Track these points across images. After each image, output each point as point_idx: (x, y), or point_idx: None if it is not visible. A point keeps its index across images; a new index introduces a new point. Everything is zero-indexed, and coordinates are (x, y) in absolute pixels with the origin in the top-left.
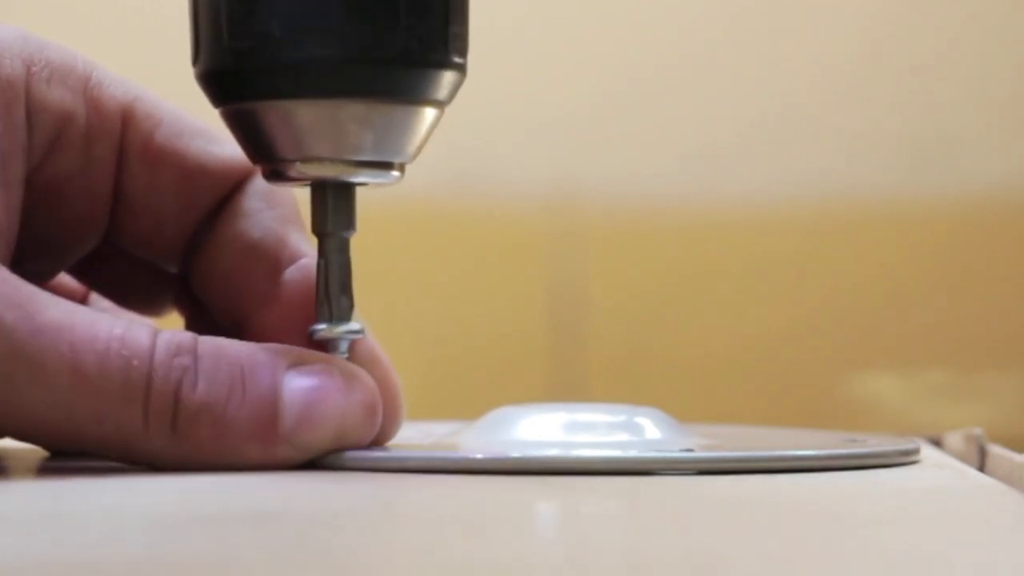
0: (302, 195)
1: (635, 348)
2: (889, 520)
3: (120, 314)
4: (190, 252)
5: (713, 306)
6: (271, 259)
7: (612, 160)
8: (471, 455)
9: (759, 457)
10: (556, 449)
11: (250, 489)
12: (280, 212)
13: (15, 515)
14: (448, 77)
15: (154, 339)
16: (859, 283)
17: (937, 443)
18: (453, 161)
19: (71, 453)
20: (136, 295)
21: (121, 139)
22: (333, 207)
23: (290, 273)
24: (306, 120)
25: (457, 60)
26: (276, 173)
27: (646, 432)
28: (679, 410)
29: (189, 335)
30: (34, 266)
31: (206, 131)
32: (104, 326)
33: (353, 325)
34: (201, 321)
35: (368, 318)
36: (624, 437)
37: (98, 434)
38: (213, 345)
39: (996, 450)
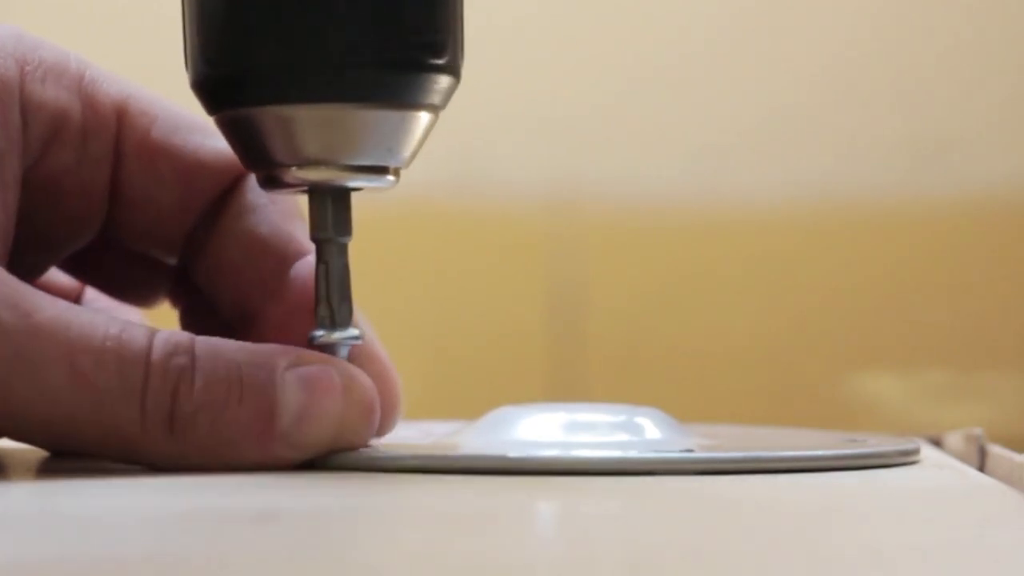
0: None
1: (635, 348)
2: (889, 520)
3: (117, 314)
4: (192, 245)
5: (713, 306)
6: (279, 254)
7: (612, 160)
8: (471, 455)
9: (759, 457)
10: (556, 449)
11: (250, 489)
12: (284, 207)
13: (14, 514)
14: (443, 82)
15: (151, 339)
16: (859, 283)
17: (937, 443)
18: (453, 161)
19: (70, 453)
20: (131, 287)
21: (117, 136)
22: (331, 213)
23: (297, 268)
24: (301, 125)
25: (451, 65)
26: (272, 180)
27: (646, 432)
28: (679, 410)
29: (187, 335)
30: (30, 260)
31: (203, 126)
32: (101, 326)
33: (352, 331)
34: (197, 314)
35: (368, 318)
36: (624, 437)
37: (96, 434)
38: (210, 345)
39: (996, 450)
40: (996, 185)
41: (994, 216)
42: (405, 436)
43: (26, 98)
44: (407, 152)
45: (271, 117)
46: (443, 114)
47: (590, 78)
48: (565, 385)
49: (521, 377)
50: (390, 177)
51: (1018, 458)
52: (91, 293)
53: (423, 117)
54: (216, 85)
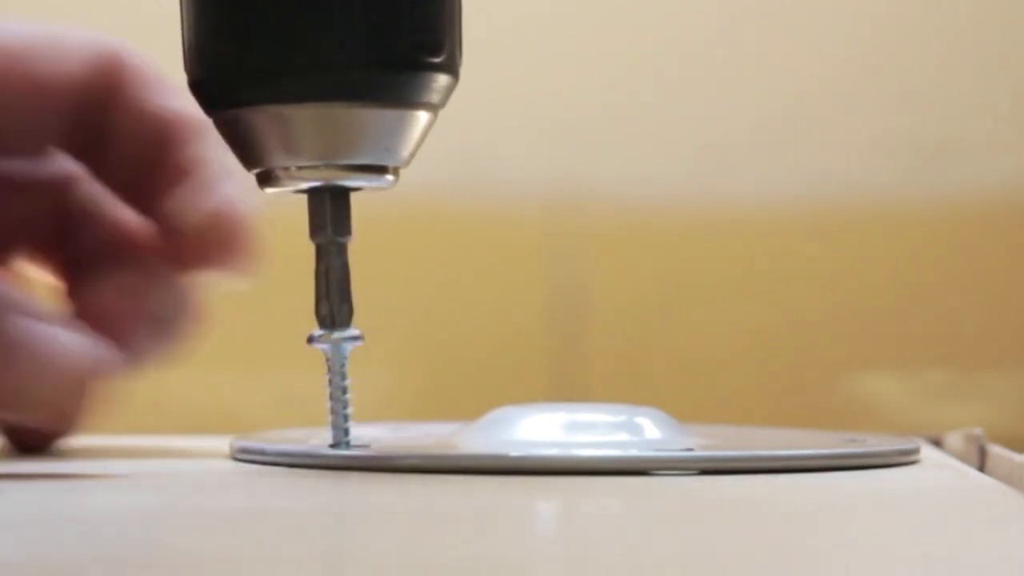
0: (299, 202)
1: (635, 348)
2: (889, 520)
3: None
4: (81, 150)
5: (713, 306)
6: (173, 137)
7: (612, 160)
8: (471, 455)
9: (759, 457)
10: (556, 449)
11: (250, 488)
12: (165, 87)
13: (15, 514)
14: (441, 80)
15: None
16: (859, 283)
17: (937, 443)
18: (453, 161)
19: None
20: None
21: None
22: (331, 213)
23: (192, 149)
24: (298, 125)
25: (449, 63)
26: (270, 179)
27: (646, 432)
28: (679, 410)
29: None
30: None
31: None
32: None
33: (353, 331)
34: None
35: (368, 319)
36: (624, 437)
37: None
38: None
39: (996, 450)
40: (996, 185)
41: (994, 216)
42: (405, 436)
43: None
44: (406, 151)
45: (268, 117)
46: (443, 114)
47: (590, 78)
48: (565, 385)
49: (521, 377)
50: (389, 176)
51: (1018, 458)
52: None
53: (421, 116)
54: (213, 85)
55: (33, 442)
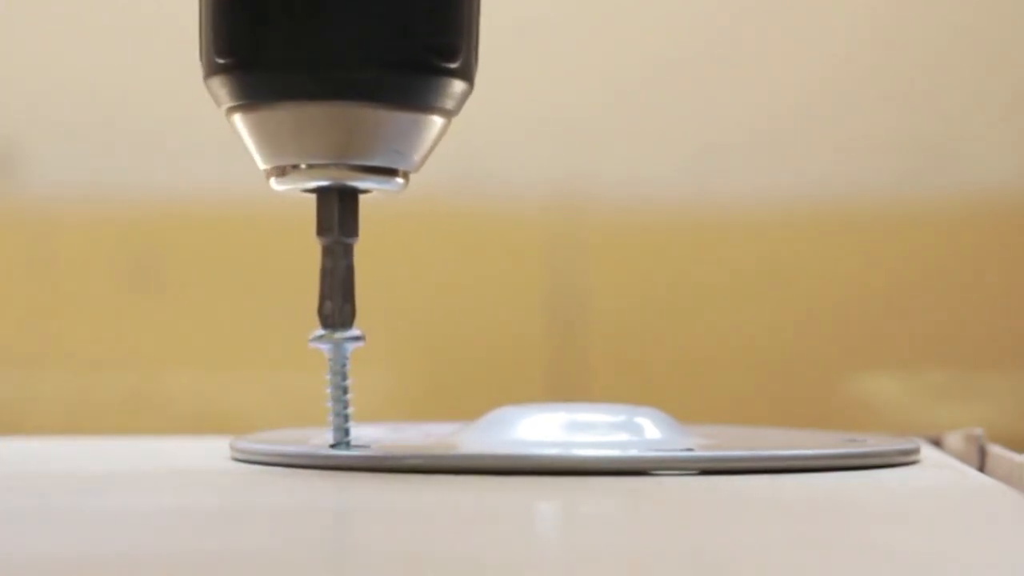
0: (308, 200)
1: (635, 348)
2: (889, 520)
3: None
4: None
5: (713, 306)
6: None
7: (613, 160)
8: (471, 455)
9: (759, 457)
10: (556, 449)
11: (250, 489)
12: None
13: (16, 514)
14: (456, 87)
15: None
16: (859, 283)
17: (937, 443)
18: (453, 161)
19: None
20: None
21: None
22: (338, 213)
23: None
24: (311, 123)
25: (464, 70)
26: (282, 176)
27: (646, 432)
28: (679, 410)
29: None
30: None
31: None
32: None
33: (354, 331)
34: None
35: (368, 318)
36: (624, 437)
37: None
38: None
39: (996, 450)
40: (996, 185)
41: (994, 216)
42: (405, 436)
43: None
44: (417, 156)
45: (283, 113)
46: None
47: (590, 78)
48: (565, 385)
49: (521, 377)
50: (399, 180)
51: (1018, 458)
52: None
53: (434, 121)
54: (228, 80)
55: None
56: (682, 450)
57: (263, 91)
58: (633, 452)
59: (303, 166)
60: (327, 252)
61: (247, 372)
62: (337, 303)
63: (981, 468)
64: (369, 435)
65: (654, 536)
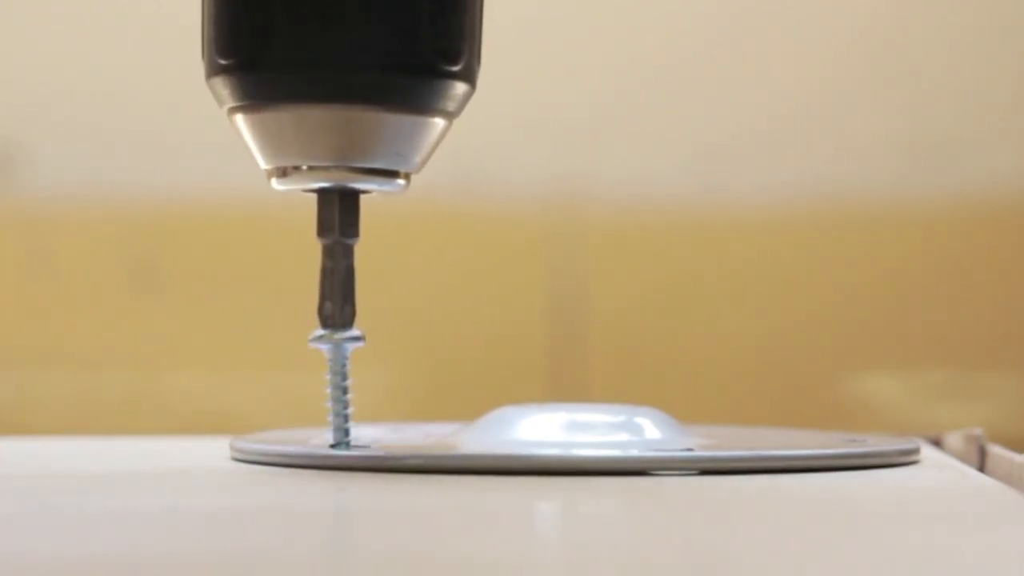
0: (308, 200)
1: (635, 348)
2: (889, 520)
3: None
4: None
5: (713, 306)
6: None
7: (612, 160)
8: (471, 455)
9: (759, 457)
10: (556, 449)
11: (250, 489)
12: None
13: (14, 514)
14: (458, 89)
15: None
16: (859, 283)
17: (937, 443)
18: (453, 161)
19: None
20: None
21: None
22: (340, 214)
23: None
24: (313, 125)
25: (466, 72)
26: (283, 177)
27: (646, 432)
28: (679, 410)
29: None
30: None
31: None
32: None
33: (354, 332)
34: None
35: (368, 318)
36: (624, 437)
37: None
38: None
39: (996, 450)
40: (996, 185)
41: (994, 216)
42: (405, 436)
43: None
44: (418, 157)
45: (284, 115)
46: None
47: (590, 78)
48: (565, 385)
49: (521, 377)
50: (400, 181)
51: (1018, 458)
52: None
53: (436, 123)
54: (231, 80)
55: None
56: (682, 450)
57: (265, 92)
58: (633, 452)
59: (304, 167)
60: (328, 253)
61: (247, 372)
62: (337, 304)
63: (981, 468)
64: (369, 435)
65: (654, 536)
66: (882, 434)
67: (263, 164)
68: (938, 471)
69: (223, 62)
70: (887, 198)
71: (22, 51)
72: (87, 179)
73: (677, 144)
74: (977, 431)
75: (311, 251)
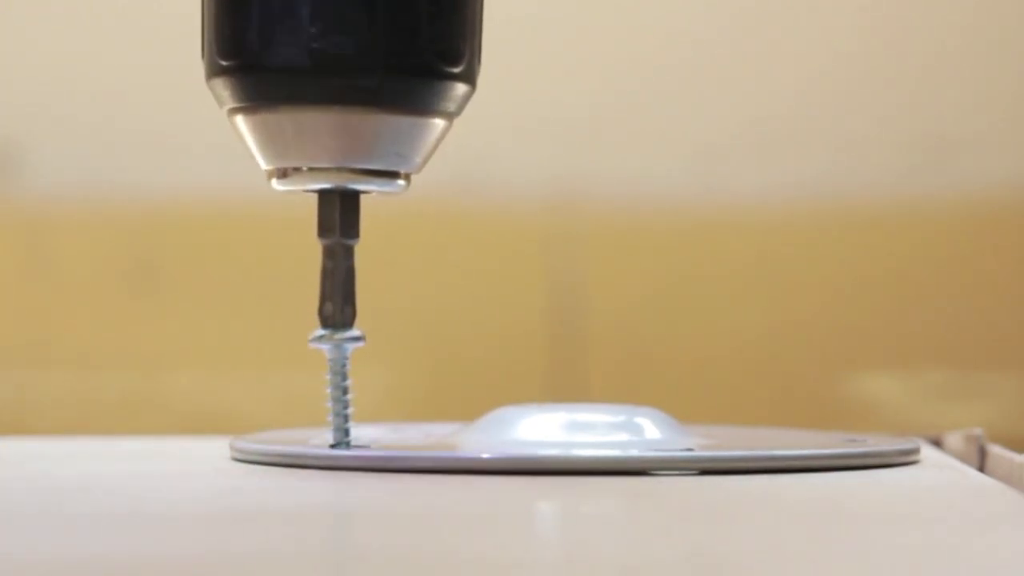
0: (308, 200)
1: (635, 348)
2: (889, 520)
3: None
4: None
5: (713, 306)
6: None
7: (612, 160)
8: (472, 455)
9: (759, 456)
10: (556, 449)
11: (250, 490)
12: None
13: (14, 514)
14: (459, 90)
15: None
16: (859, 283)
17: (937, 443)
18: (453, 161)
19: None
20: None
21: None
22: (340, 214)
23: None
24: (313, 127)
25: (467, 73)
26: (284, 178)
27: (646, 432)
28: (679, 410)
29: None
30: None
31: None
32: None
33: (354, 332)
34: None
35: (368, 318)
36: (624, 437)
37: None
38: None
39: (996, 450)
40: (996, 185)
41: (994, 216)
42: (405, 436)
43: None
44: (419, 158)
45: (284, 117)
46: None
47: (589, 78)
48: (565, 385)
49: (521, 377)
50: (400, 182)
51: (1018, 458)
52: None
53: (436, 124)
54: (231, 82)
55: None
56: (682, 450)
57: (265, 94)
58: (633, 452)
59: (305, 168)
60: (328, 253)
61: (247, 372)
62: (338, 304)
63: (981, 468)
64: (369, 435)
65: (654, 536)
66: (882, 434)
67: (263, 165)
68: (938, 471)
69: (223, 63)
70: (887, 198)
71: (22, 51)
72: (87, 179)
73: (677, 144)
74: (977, 431)
75: (311, 251)
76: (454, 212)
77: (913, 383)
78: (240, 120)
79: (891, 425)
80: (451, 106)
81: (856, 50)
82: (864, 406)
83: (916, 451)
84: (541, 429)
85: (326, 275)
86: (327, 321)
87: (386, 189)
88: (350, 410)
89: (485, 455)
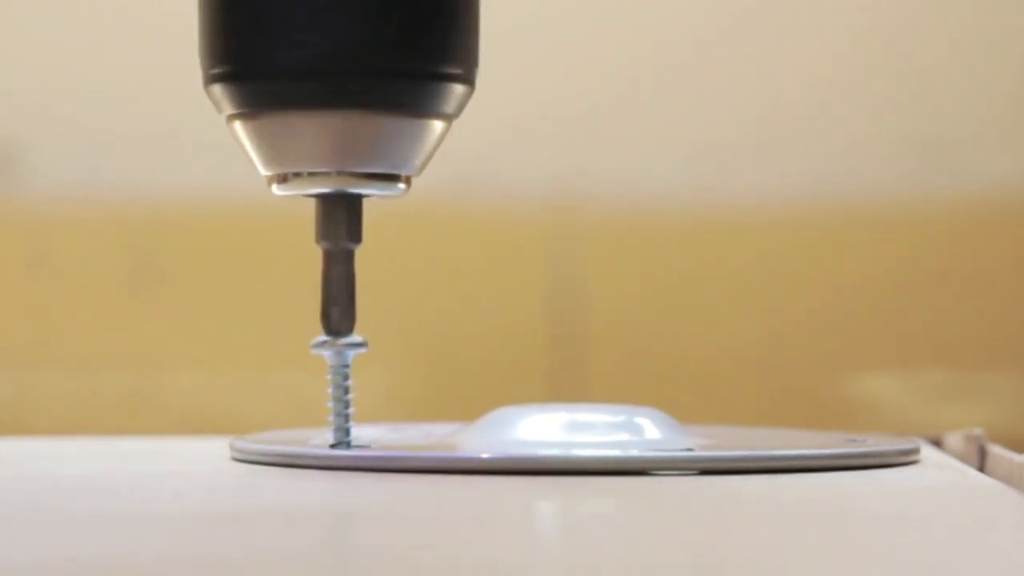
0: (308, 200)
1: (635, 348)
2: (889, 520)
3: None
4: None
5: (713, 306)
6: None
7: (612, 160)
8: (471, 455)
9: (759, 456)
10: (556, 449)
11: (249, 490)
12: None
13: (14, 514)
14: (457, 91)
15: None
16: (859, 283)
17: (937, 443)
18: (453, 161)
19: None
20: None
21: None
22: (340, 219)
23: None
24: (314, 131)
25: (465, 74)
26: (283, 183)
27: (646, 432)
28: (679, 410)
29: None
30: None
31: None
32: None
33: (356, 338)
34: None
35: (369, 318)
36: (624, 437)
37: None
38: None
39: (996, 450)
40: (996, 185)
41: (994, 216)
42: (405, 436)
43: None
44: (418, 160)
45: (282, 123)
46: None
47: (590, 78)
48: (565, 385)
49: (521, 377)
50: (401, 185)
51: (1018, 458)
52: None
53: (436, 126)
54: (228, 88)
55: None
56: (682, 450)
57: (263, 99)
58: (633, 452)
59: (304, 173)
60: (328, 258)
61: (247, 372)
62: (338, 310)
63: (981, 468)
64: (369, 435)
65: (654, 536)
66: (882, 434)
67: (263, 171)
68: (938, 471)
69: (220, 70)
70: (887, 198)
71: (22, 51)
72: (87, 179)
73: (677, 144)
74: (977, 431)
75: (312, 251)
76: (454, 212)
77: (913, 383)
78: (238, 126)
79: (891, 425)
80: (449, 108)
81: (856, 50)
82: (864, 406)
83: (916, 451)
84: (541, 429)
85: (326, 281)
86: (328, 328)
87: (386, 192)
88: (351, 410)
89: (485, 455)
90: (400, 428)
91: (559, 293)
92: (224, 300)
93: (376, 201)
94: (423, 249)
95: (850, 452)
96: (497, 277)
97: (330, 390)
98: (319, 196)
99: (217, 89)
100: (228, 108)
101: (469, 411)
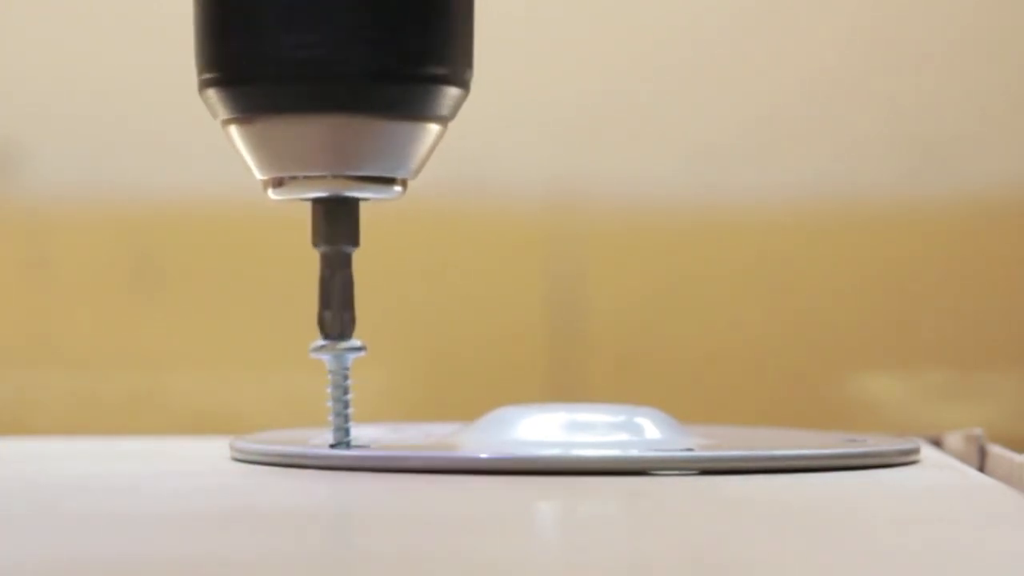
0: (302, 204)
1: (635, 348)
2: (889, 520)
3: None
4: None
5: (713, 306)
6: None
7: (612, 160)
8: (472, 455)
9: (759, 457)
10: (556, 449)
11: (249, 490)
12: None
13: (14, 514)
14: (452, 93)
15: None
16: (859, 283)
17: (937, 443)
18: (453, 160)
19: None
20: None
21: None
22: (336, 222)
23: None
24: (310, 135)
25: (460, 77)
26: (279, 187)
27: (646, 432)
28: (679, 410)
29: None
30: None
31: None
32: None
33: (355, 342)
34: None
35: (368, 318)
36: (624, 437)
37: None
38: None
39: (996, 450)
40: (996, 185)
41: (994, 216)
42: (405, 436)
43: None
44: (414, 163)
45: (276, 127)
46: None
47: (589, 78)
48: (565, 385)
49: (521, 377)
50: (396, 188)
51: (1018, 458)
52: None
53: (430, 128)
54: (223, 93)
55: None
56: (682, 450)
57: (258, 104)
58: (633, 452)
59: (300, 177)
60: (326, 261)
61: (247, 372)
62: (337, 314)
63: (981, 468)
64: (369, 435)
65: (654, 536)
66: (882, 434)
67: (258, 175)
68: (938, 471)
69: (214, 75)
70: (887, 198)
71: (22, 51)
72: (87, 179)
73: (677, 144)
74: (977, 431)
75: (312, 251)
76: (454, 212)
77: (913, 383)
78: (233, 130)
79: (891, 425)
80: (444, 110)
81: (856, 50)
82: (864, 406)
83: (916, 451)
84: (541, 429)
85: (324, 284)
86: (327, 332)
87: (382, 195)
88: (350, 410)
89: (485, 455)
90: (400, 428)
91: (559, 293)
92: (224, 300)
93: (375, 201)
94: (422, 249)
95: (850, 452)
96: (497, 277)
97: (329, 391)
98: (315, 200)
99: (211, 94)
100: (223, 113)
101: (469, 411)
